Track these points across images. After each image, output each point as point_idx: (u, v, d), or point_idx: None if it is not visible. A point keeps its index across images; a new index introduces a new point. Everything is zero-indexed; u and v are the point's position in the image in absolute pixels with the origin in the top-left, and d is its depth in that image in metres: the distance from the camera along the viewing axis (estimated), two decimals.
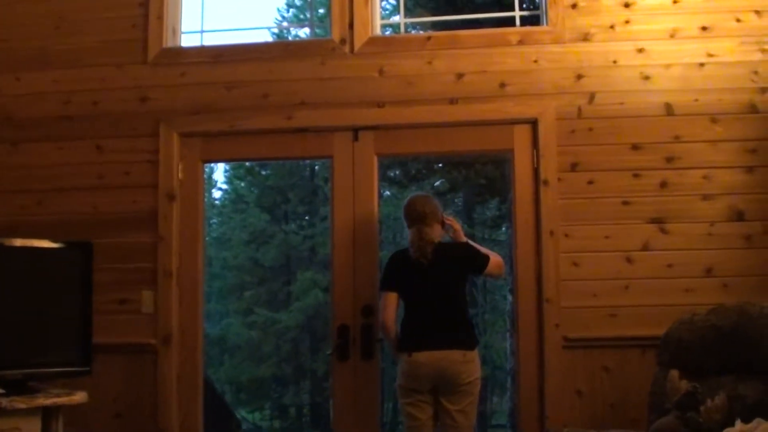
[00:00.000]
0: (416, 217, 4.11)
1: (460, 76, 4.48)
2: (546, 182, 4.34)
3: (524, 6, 4.73)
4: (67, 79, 4.72)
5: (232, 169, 19.52)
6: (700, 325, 3.68)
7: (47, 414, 3.75)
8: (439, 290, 4.01)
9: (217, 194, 20.31)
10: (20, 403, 3.59)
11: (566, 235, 4.31)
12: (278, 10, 20.45)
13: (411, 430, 4.01)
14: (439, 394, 3.96)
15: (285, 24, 20.18)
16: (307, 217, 19.22)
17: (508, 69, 4.46)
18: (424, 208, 4.13)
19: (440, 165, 15.44)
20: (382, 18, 4.77)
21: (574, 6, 4.46)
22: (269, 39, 16.90)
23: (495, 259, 4.18)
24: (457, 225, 4.31)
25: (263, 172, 19.36)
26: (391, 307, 4.04)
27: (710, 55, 4.36)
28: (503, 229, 15.60)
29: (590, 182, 4.33)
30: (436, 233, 4.12)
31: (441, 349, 3.91)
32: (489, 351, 15.89)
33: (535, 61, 4.44)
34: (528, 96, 4.42)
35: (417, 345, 3.95)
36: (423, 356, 3.92)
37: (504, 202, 14.33)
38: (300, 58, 4.62)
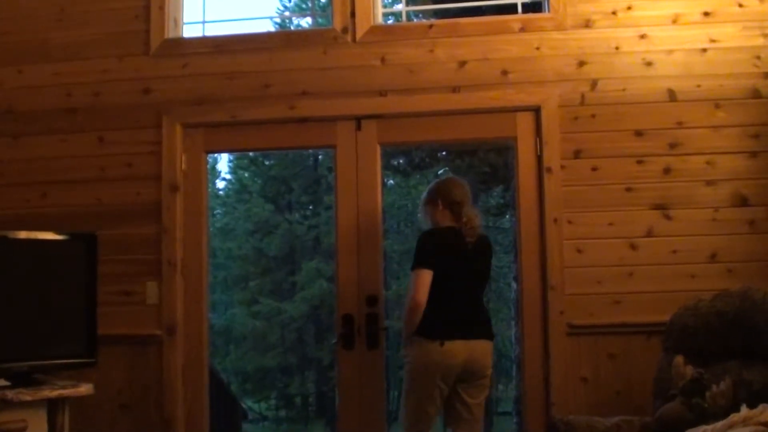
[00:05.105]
0: (460, 199, 3.98)
1: (462, 64, 4.47)
2: (549, 169, 4.33)
3: None
4: (69, 71, 4.71)
5: (236, 159, 19.57)
6: (705, 311, 3.67)
7: (53, 406, 3.77)
8: (477, 277, 3.97)
9: (220, 185, 20.38)
10: (26, 395, 3.60)
11: (570, 222, 4.30)
12: None
13: (418, 425, 3.85)
14: (458, 386, 3.86)
15: (287, 13, 20.19)
16: (310, 207, 19.26)
17: (510, 56, 4.44)
18: (464, 189, 4.05)
19: (444, 153, 15.45)
20: (384, 6, 4.75)
21: None
22: (271, 29, 16.88)
23: None
24: None
25: (266, 162, 19.40)
26: (426, 286, 3.78)
27: (713, 41, 4.35)
28: (507, 216, 15.61)
29: (594, 169, 4.32)
30: None
31: (474, 339, 3.85)
32: (494, 339, 15.92)
33: (538, 48, 4.43)
34: (530, 83, 4.41)
35: (450, 333, 3.79)
36: (456, 346, 3.78)
37: (508, 190, 14.33)
38: (302, 47, 4.61)
